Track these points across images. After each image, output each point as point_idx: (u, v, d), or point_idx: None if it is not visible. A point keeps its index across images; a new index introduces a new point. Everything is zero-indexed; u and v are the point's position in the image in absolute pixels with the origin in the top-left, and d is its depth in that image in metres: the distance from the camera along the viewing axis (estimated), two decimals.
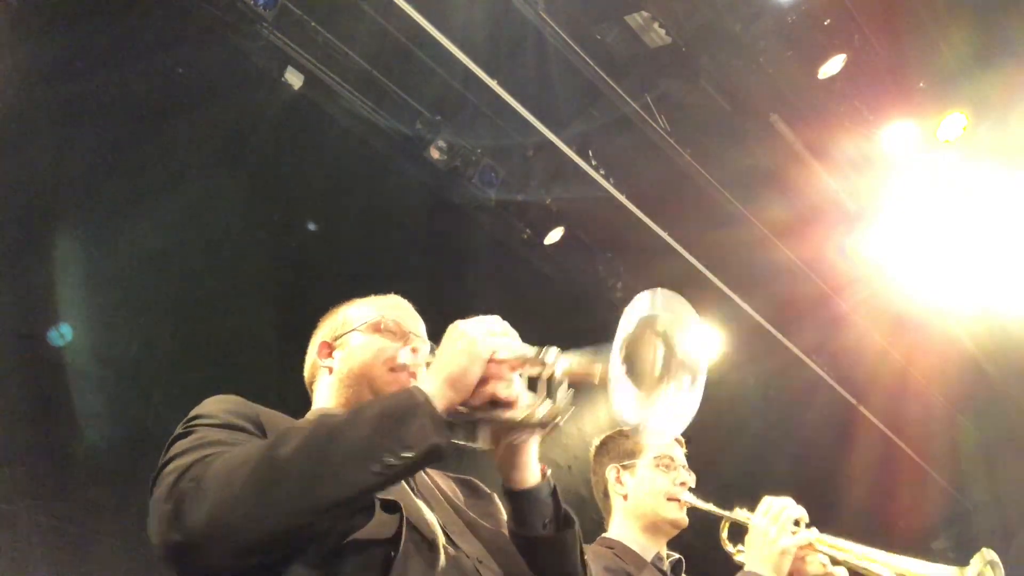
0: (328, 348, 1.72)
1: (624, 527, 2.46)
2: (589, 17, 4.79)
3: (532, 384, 1.39)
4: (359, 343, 1.67)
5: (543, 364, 1.34)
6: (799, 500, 2.32)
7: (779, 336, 6.17)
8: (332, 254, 4.56)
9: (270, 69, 4.26)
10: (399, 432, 1.21)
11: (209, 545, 1.16)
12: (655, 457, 2.48)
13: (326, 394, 1.69)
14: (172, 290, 4.02)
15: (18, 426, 3.49)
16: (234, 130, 4.15)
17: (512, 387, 1.36)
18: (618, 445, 2.58)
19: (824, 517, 3.27)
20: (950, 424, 7.50)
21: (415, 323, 1.75)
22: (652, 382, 1.29)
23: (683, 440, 2.59)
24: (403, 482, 1.47)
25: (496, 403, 1.35)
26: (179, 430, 1.37)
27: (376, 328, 1.69)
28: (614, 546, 2.41)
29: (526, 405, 1.36)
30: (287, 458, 1.19)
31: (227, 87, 4.14)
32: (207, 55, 4.02)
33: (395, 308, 1.76)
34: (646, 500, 2.43)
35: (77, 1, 3.75)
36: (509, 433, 1.40)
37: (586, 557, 1.49)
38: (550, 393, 1.33)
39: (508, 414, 1.36)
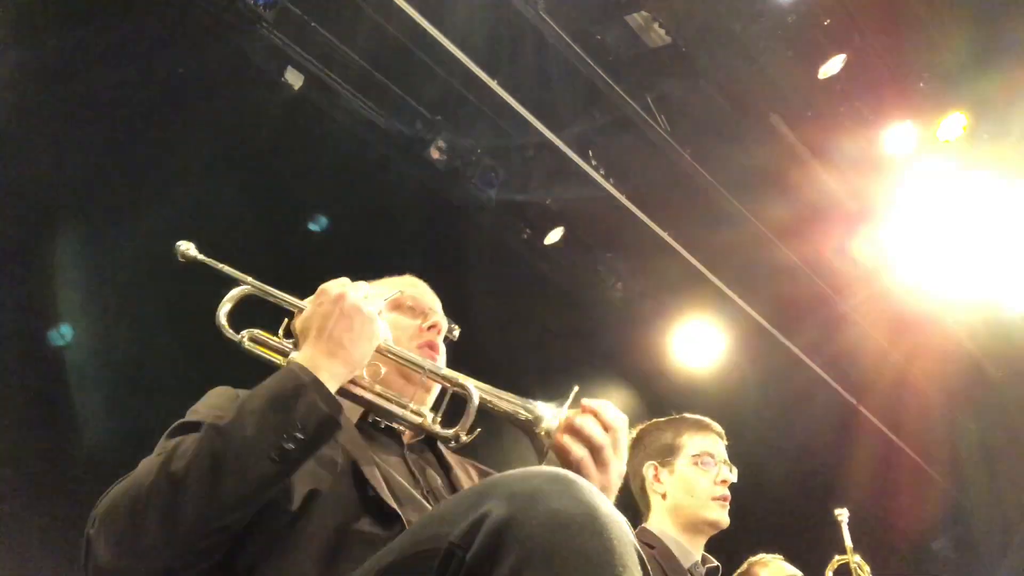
0: None
1: (664, 524, 2.41)
2: (589, 17, 4.78)
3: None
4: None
5: (452, 384, 1.38)
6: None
7: (779, 336, 6.17)
8: (332, 254, 4.57)
9: (270, 69, 4.26)
10: (288, 416, 1.20)
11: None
12: (694, 455, 2.43)
13: None
14: (172, 290, 4.01)
15: (18, 426, 3.49)
16: (234, 130, 4.14)
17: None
18: (655, 440, 2.52)
19: (824, 517, 3.28)
20: (950, 424, 7.49)
21: (433, 299, 1.77)
22: None
23: (723, 433, 2.55)
24: (412, 486, 1.46)
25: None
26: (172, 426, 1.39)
27: (397, 305, 1.69)
28: (655, 545, 2.35)
29: (419, 411, 1.39)
30: (183, 470, 1.17)
31: (227, 87, 4.14)
32: (207, 55, 4.02)
33: (413, 286, 1.76)
34: (685, 500, 2.39)
35: (77, 1, 3.75)
36: (374, 414, 1.42)
37: None
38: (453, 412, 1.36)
39: (399, 410, 1.39)
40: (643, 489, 2.50)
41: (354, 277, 1.45)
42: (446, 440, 1.36)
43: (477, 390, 1.36)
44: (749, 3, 4.85)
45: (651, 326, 5.93)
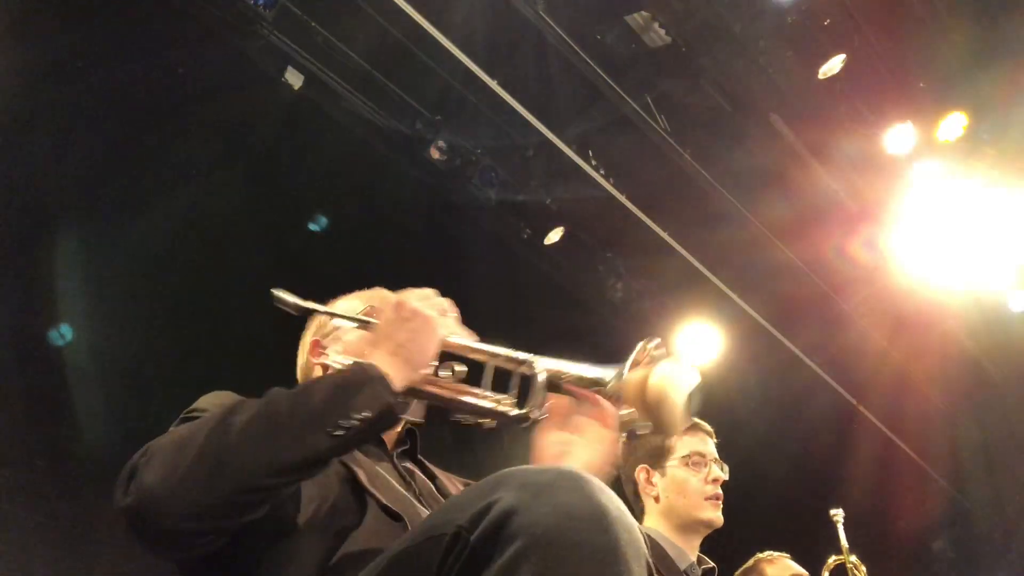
0: (319, 346, 1.73)
1: (658, 526, 2.41)
2: (589, 17, 4.78)
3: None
4: (353, 336, 1.68)
5: (517, 364, 1.36)
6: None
7: (779, 336, 6.17)
8: (332, 254, 4.56)
9: (270, 69, 4.26)
10: (353, 398, 1.23)
11: (155, 506, 1.15)
12: (684, 456, 2.43)
13: None
14: (172, 290, 4.02)
15: (18, 426, 3.49)
16: (234, 130, 4.14)
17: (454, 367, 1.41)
18: (645, 443, 2.52)
19: (824, 517, 3.28)
20: (950, 424, 7.49)
21: None
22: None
23: (712, 432, 2.56)
24: (405, 490, 1.49)
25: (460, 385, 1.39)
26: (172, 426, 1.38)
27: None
28: (651, 547, 2.36)
29: (492, 396, 1.38)
30: (243, 423, 1.19)
31: (227, 87, 4.14)
32: (207, 55, 4.02)
33: (382, 299, 1.76)
34: (678, 501, 2.40)
35: (77, 1, 3.75)
36: (467, 416, 1.40)
37: None
38: (526, 394, 1.35)
39: (474, 400, 1.38)
40: (636, 493, 2.51)
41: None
42: (520, 421, 1.34)
43: (541, 370, 1.36)
44: (749, 3, 4.85)
45: (651, 326, 5.93)
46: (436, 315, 1.39)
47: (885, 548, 6.51)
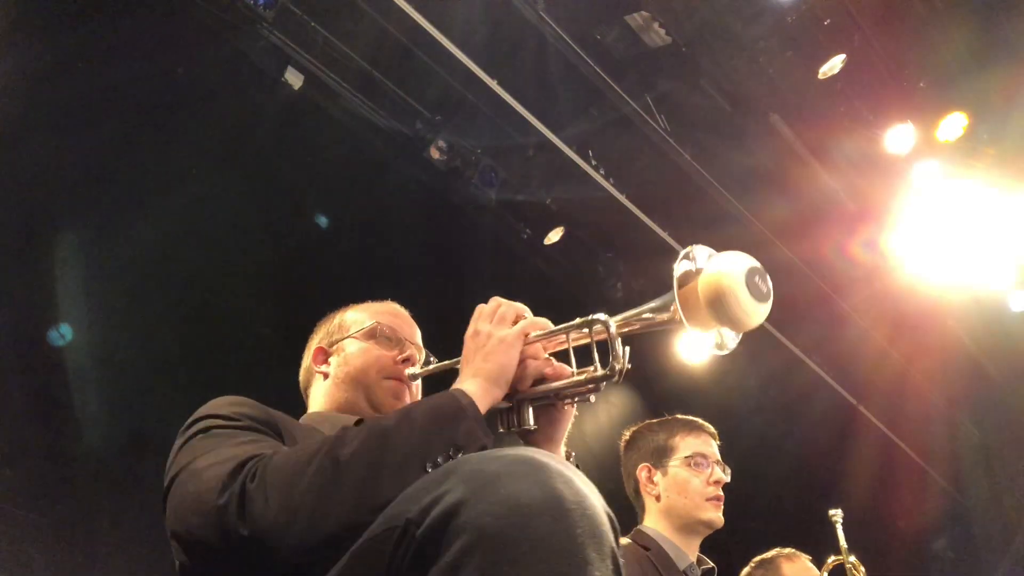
0: (324, 354, 1.74)
1: (658, 526, 2.41)
2: (589, 17, 4.78)
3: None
4: (354, 349, 1.70)
5: (590, 327, 1.40)
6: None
7: (779, 336, 6.17)
8: (332, 254, 4.56)
9: (270, 69, 4.26)
10: (449, 434, 1.24)
11: (277, 538, 1.14)
12: (686, 456, 2.44)
13: (321, 399, 1.71)
14: (172, 290, 4.01)
15: (18, 426, 3.49)
16: (234, 130, 4.14)
17: (552, 360, 1.43)
18: (648, 442, 2.52)
19: (824, 517, 3.28)
20: (950, 424, 7.50)
21: (411, 330, 1.78)
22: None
23: (716, 434, 2.56)
24: None
25: (543, 380, 1.41)
26: (195, 429, 1.36)
27: (372, 335, 1.72)
28: (650, 547, 2.35)
29: (576, 371, 1.40)
30: (348, 458, 1.20)
31: (227, 87, 4.14)
32: (207, 55, 4.02)
33: (391, 315, 1.78)
34: (679, 501, 2.39)
35: (77, 1, 3.75)
36: (559, 400, 1.43)
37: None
38: (602, 355, 1.37)
39: (564, 381, 1.40)
40: (637, 491, 2.51)
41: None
42: (611, 376, 1.36)
43: (613, 322, 1.38)
44: (749, 3, 4.85)
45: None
46: (507, 331, 1.41)
47: (885, 548, 6.51)
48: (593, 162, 5.11)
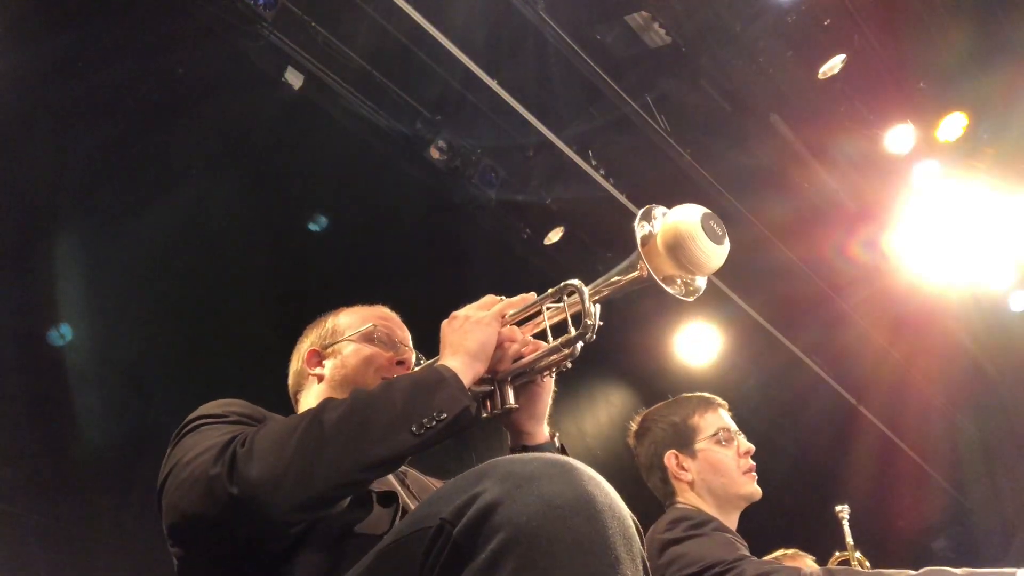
0: (318, 357, 1.76)
1: (698, 504, 2.34)
2: (589, 17, 4.78)
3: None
4: (351, 351, 1.72)
5: (564, 294, 1.46)
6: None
7: (779, 336, 6.17)
8: (332, 254, 4.56)
9: (270, 69, 4.26)
10: (431, 400, 1.30)
11: (266, 497, 1.18)
12: (712, 435, 2.38)
13: (314, 401, 1.71)
14: (172, 290, 4.01)
15: (18, 426, 3.49)
16: (234, 130, 4.14)
17: (528, 338, 1.50)
18: (664, 426, 2.45)
19: (824, 516, 3.28)
20: (950, 424, 7.50)
21: (404, 333, 1.82)
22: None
23: (727, 404, 2.54)
24: (395, 482, 1.55)
25: (521, 359, 1.48)
26: (185, 430, 1.39)
27: (368, 337, 1.74)
28: (694, 517, 2.26)
29: (557, 338, 1.46)
30: (335, 420, 1.26)
31: (227, 87, 4.14)
32: (207, 55, 4.02)
33: (384, 318, 1.79)
34: (716, 481, 2.33)
35: (77, 1, 3.75)
36: (538, 374, 1.49)
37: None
38: (575, 323, 1.42)
39: (540, 351, 1.46)
40: (664, 479, 2.41)
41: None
42: (585, 334, 1.41)
43: (586, 288, 1.43)
44: (749, 3, 4.86)
45: (651, 326, 5.93)
46: (483, 312, 1.48)
47: (885, 548, 6.51)
48: (593, 162, 5.11)
